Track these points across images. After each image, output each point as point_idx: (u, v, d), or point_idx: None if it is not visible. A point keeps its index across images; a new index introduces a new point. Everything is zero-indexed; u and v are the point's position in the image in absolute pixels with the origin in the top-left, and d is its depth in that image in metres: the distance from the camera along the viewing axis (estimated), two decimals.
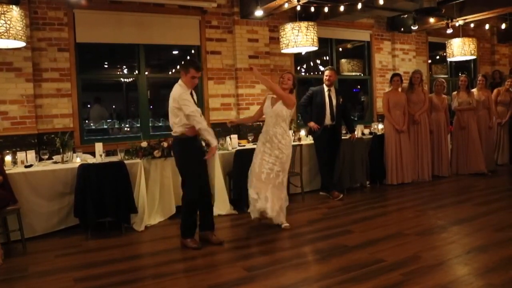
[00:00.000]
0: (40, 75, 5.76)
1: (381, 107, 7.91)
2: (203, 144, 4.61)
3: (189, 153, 4.15)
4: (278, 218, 4.64)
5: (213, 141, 4.04)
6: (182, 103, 3.98)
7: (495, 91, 8.02)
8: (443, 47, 8.57)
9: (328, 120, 5.98)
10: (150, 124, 6.86)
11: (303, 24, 6.22)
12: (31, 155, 4.82)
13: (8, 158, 4.70)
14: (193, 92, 4.20)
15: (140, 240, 4.59)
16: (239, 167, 5.31)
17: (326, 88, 6.02)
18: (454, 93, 7.54)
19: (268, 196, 4.57)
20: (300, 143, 6.10)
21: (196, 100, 4.19)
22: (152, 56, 7.23)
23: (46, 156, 5.02)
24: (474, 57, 8.15)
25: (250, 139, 6.18)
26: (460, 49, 7.80)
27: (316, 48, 6.48)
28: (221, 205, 5.36)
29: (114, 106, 9.70)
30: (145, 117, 6.74)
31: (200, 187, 4.16)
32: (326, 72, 6.01)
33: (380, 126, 7.21)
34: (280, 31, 6.52)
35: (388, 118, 6.77)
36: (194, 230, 4.21)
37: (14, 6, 4.57)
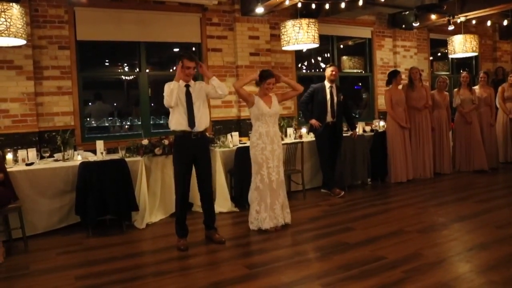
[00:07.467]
0: (41, 73, 5.75)
1: (382, 104, 7.89)
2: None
3: (175, 150, 4.16)
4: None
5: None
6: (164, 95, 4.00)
7: (500, 88, 7.96)
8: (444, 44, 8.54)
9: (329, 117, 5.97)
10: (151, 122, 6.85)
11: (304, 21, 6.19)
12: (32, 153, 4.84)
13: (9, 156, 4.72)
14: (192, 83, 4.10)
15: (141, 237, 4.60)
16: (240, 164, 5.31)
17: (327, 85, 6.00)
18: (456, 90, 7.51)
19: (284, 202, 4.61)
20: (301, 141, 6.08)
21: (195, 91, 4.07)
22: (153, 54, 7.21)
23: (47, 154, 5.03)
24: (475, 54, 8.11)
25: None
26: (461, 46, 7.76)
27: (317, 45, 6.45)
28: (222, 203, 5.38)
29: (115, 104, 9.67)
30: (146, 115, 6.73)
31: (182, 187, 4.09)
32: (331, 68, 5.98)
33: (382, 123, 7.19)
34: (281, 28, 6.50)
35: (392, 115, 6.75)
36: (182, 232, 4.14)
37: (14, 4, 4.56)
